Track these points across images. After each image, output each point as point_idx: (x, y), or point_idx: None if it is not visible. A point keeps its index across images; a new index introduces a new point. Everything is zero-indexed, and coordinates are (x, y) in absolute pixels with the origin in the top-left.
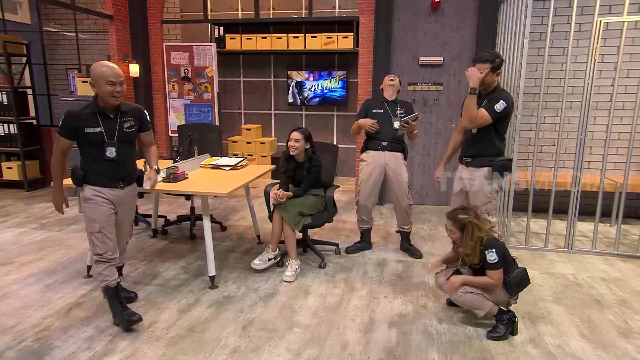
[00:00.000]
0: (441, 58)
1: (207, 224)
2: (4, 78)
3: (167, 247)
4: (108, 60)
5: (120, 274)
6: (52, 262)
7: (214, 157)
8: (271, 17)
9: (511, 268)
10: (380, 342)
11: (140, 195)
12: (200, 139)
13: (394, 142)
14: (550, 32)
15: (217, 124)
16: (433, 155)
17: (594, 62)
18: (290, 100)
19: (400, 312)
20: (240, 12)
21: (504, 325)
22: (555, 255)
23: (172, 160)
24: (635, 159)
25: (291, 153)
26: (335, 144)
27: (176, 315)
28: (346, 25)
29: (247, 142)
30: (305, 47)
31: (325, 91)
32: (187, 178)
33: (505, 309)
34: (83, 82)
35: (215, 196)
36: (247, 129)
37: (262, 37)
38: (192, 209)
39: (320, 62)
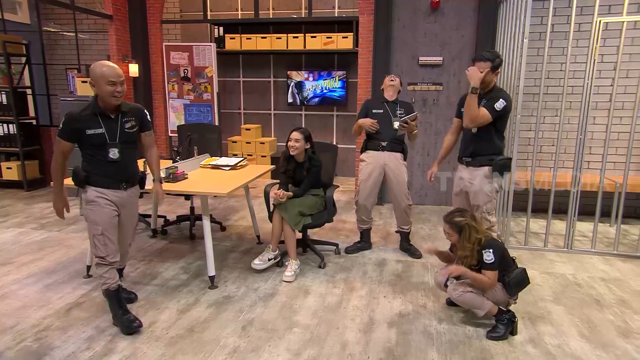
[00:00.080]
0: (441, 58)
1: (206, 224)
2: (3, 78)
3: (167, 247)
4: (108, 60)
5: (121, 275)
6: (51, 262)
7: (213, 157)
8: (271, 17)
9: (510, 268)
10: (380, 342)
11: (140, 195)
12: (199, 139)
13: (394, 142)
14: (550, 32)
15: (216, 124)
16: (433, 155)
17: (594, 62)
18: (290, 100)
19: (400, 312)
20: (239, 12)
21: (503, 325)
22: (554, 255)
23: (171, 160)
24: (634, 159)
25: (291, 153)
26: (334, 144)
27: (176, 315)
28: (346, 25)
29: (246, 142)
30: (304, 47)
31: (325, 91)
32: (187, 178)
33: (504, 309)
34: (83, 82)
35: (215, 196)
36: (246, 129)
37: (262, 37)
38: (192, 209)
39: (320, 62)
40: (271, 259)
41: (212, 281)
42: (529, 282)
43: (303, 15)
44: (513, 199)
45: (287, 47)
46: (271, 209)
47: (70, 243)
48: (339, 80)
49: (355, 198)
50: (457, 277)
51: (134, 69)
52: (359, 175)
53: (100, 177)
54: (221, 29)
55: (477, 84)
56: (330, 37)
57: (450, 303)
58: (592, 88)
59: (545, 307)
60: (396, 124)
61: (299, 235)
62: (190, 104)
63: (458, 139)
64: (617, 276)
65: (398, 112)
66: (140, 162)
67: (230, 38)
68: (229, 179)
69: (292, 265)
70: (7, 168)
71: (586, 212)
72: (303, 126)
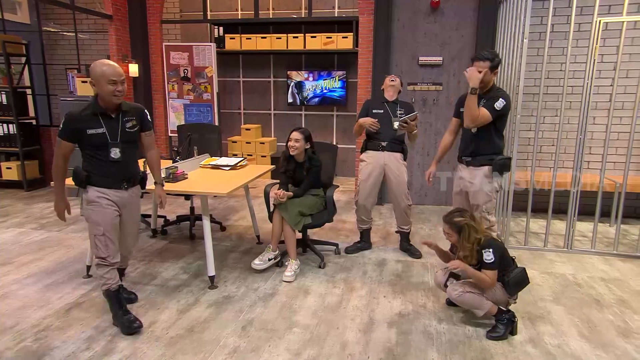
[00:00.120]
0: (441, 58)
1: (206, 224)
2: (3, 78)
3: (167, 247)
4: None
5: (122, 275)
6: (51, 262)
7: (213, 157)
8: (271, 17)
9: (510, 268)
10: (380, 342)
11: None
12: (199, 139)
13: (394, 142)
14: (550, 32)
15: (216, 124)
16: (432, 155)
17: (594, 62)
18: (290, 100)
19: (400, 312)
20: (239, 12)
21: (503, 325)
22: (554, 255)
23: (171, 160)
24: (634, 159)
25: (291, 153)
26: (334, 144)
27: (176, 315)
28: (346, 25)
29: (246, 142)
30: (304, 47)
31: (325, 91)
32: (187, 178)
33: (504, 309)
34: (82, 82)
35: (215, 196)
36: (246, 129)
37: (262, 37)
38: (192, 209)
39: (320, 62)
40: (271, 259)
41: (212, 281)
42: (528, 282)
43: (303, 15)
44: (513, 199)
45: (287, 47)
46: (271, 209)
47: (70, 243)
48: (338, 80)
49: (355, 198)
50: (457, 277)
51: (133, 69)
52: (359, 175)
53: (102, 177)
54: (221, 29)
55: (476, 84)
56: (330, 37)
57: (450, 303)
58: (592, 88)
59: (545, 307)
60: (396, 124)
61: (299, 235)
62: (190, 104)
63: (455, 139)
64: (617, 276)
65: (398, 112)
66: (140, 162)
67: (230, 38)
68: (228, 179)
69: (292, 265)
70: (7, 168)
71: (586, 212)
72: (303, 126)
